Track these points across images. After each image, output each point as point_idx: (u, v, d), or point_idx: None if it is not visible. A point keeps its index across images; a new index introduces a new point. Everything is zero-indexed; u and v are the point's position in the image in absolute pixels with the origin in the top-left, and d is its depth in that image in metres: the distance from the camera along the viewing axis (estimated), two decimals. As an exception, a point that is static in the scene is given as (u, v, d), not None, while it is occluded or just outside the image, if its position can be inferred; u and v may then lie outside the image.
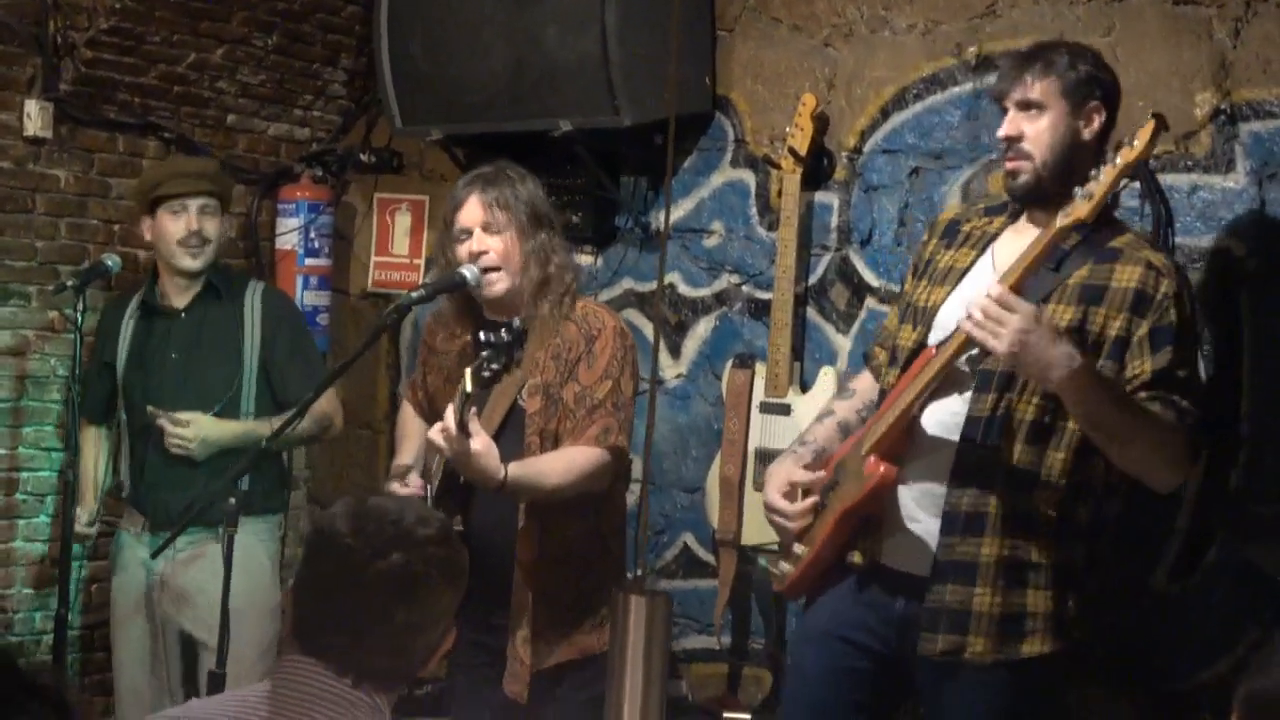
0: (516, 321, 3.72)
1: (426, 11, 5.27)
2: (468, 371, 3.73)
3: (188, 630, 4.85)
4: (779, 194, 4.90)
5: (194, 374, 4.87)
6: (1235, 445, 4.14)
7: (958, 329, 3.40)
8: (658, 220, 5.25)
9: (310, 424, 4.74)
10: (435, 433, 3.85)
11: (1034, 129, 3.54)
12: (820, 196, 4.95)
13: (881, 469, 3.55)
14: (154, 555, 4.60)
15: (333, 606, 2.37)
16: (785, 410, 4.81)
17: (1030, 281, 3.45)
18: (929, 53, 4.74)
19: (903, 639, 3.61)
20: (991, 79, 4.46)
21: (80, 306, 4.70)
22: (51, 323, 5.36)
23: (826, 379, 4.80)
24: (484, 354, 3.68)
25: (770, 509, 3.79)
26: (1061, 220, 3.25)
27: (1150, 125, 3.24)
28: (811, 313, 4.95)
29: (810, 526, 3.74)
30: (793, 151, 4.80)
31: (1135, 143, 3.22)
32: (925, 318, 3.67)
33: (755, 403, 4.90)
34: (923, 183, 4.73)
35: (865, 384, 3.93)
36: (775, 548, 3.98)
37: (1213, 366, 4.13)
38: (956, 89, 4.68)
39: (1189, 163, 4.28)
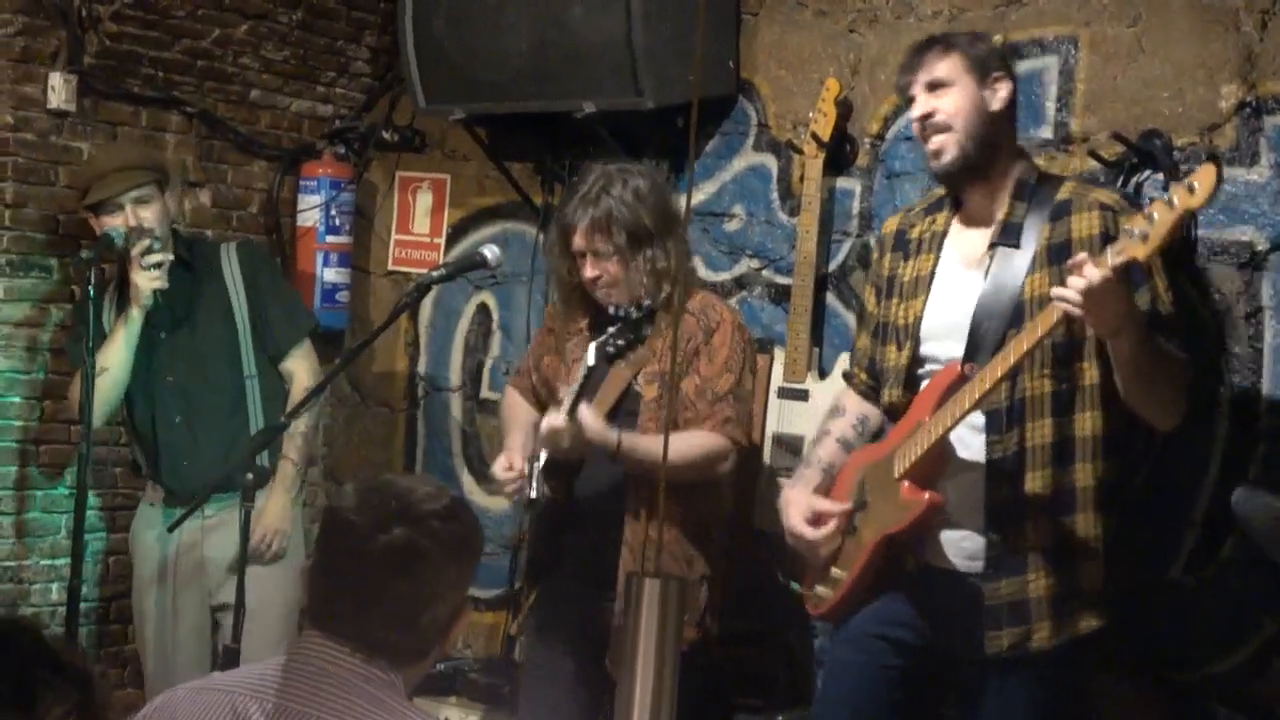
0: (647, 301, 3.85)
1: (451, -10, 5.27)
2: (592, 346, 3.89)
3: (214, 597, 4.88)
4: (801, 179, 4.89)
5: (185, 347, 4.91)
6: (1255, 438, 4.14)
7: (1010, 343, 3.38)
8: (679, 203, 5.24)
9: (308, 424, 4.95)
10: (546, 423, 4.01)
11: (946, 103, 3.60)
12: (842, 182, 4.95)
13: (926, 497, 3.56)
14: (171, 529, 4.63)
15: (340, 582, 2.39)
16: (803, 396, 4.81)
17: (1003, 266, 3.54)
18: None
19: (943, 633, 3.64)
20: (1020, 66, 4.48)
21: (93, 279, 4.71)
22: (72, 294, 5.38)
23: (845, 365, 4.81)
24: (610, 329, 3.84)
25: (795, 536, 3.81)
26: (1113, 259, 3.17)
27: (1211, 170, 3.11)
28: (831, 298, 4.95)
29: (840, 549, 3.75)
30: (815, 136, 4.80)
31: (1195, 189, 3.10)
32: (910, 333, 3.70)
33: (774, 388, 4.90)
34: (944, 170, 4.71)
35: (851, 401, 3.98)
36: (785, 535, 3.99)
37: (1235, 359, 4.14)
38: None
39: (1213, 155, 4.27)
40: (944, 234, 3.74)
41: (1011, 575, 3.54)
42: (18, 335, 5.30)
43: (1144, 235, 3.13)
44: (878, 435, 3.93)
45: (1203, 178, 3.09)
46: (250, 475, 4.11)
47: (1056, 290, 3.26)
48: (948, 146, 3.60)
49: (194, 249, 5.02)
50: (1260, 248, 4.17)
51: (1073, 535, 3.54)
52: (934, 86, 3.62)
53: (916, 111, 3.63)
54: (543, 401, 4.47)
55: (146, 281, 4.77)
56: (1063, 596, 3.54)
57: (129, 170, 4.85)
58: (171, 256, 4.81)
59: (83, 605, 4.96)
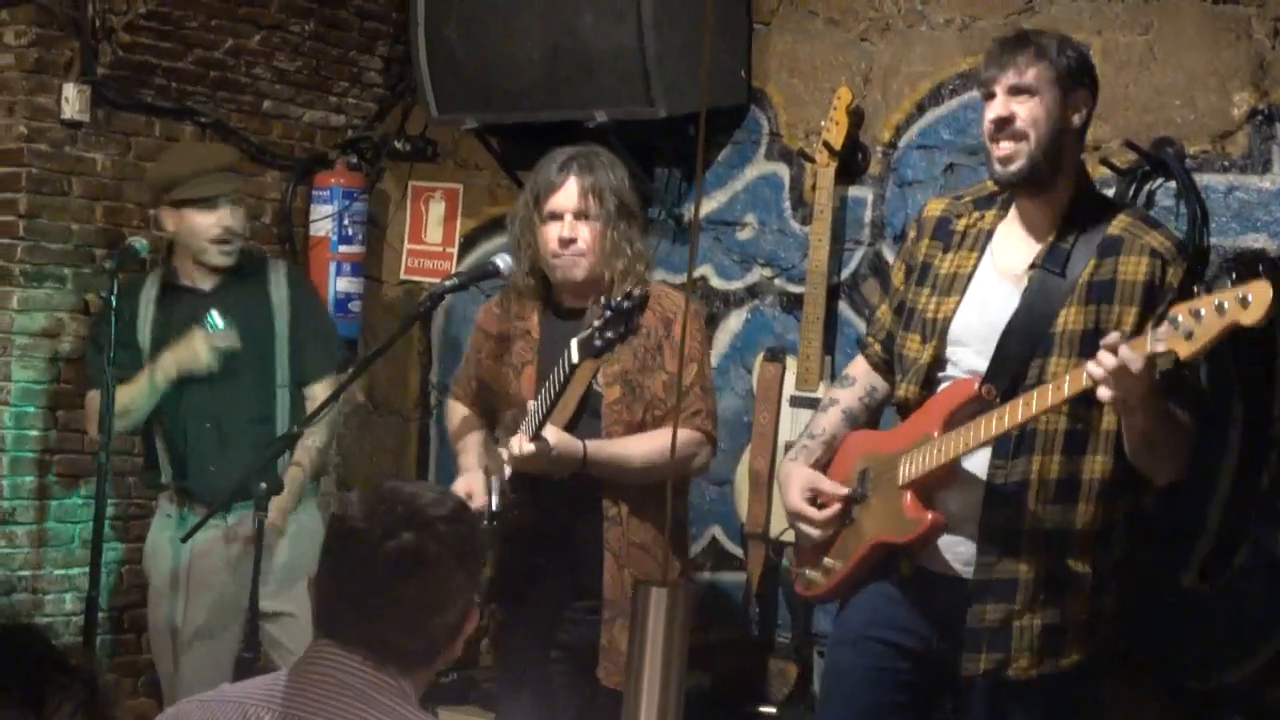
0: (638, 290, 3.71)
1: (463, 0, 5.29)
2: (574, 342, 3.73)
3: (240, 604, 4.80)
4: (813, 188, 4.91)
5: (225, 355, 4.86)
6: (1268, 446, 4.14)
7: (1046, 387, 3.35)
8: (690, 212, 5.27)
9: (324, 438, 4.94)
10: (514, 449, 3.92)
11: (1027, 111, 3.49)
12: (854, 191, 4.96)
13: (929, 518, 3.53)
14: (185, 539, 4.64)
15: (348, 589, 2.40)
16: (816, 404, 4.79)
17: (1038, 288, 3.49)
18: (966, 48, 4.74)
19: (943, 638, 3.62)
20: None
21: (114, 290, 4.71)
22: (86, 305, 5.40)
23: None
24: (596, 322, 3.67)
25: (794, 514, 3.78)
26: (1154, 346, 3.14)
27: (1267, 292, 3.01)
28: (843, 307, 4.96)
29: (836, 536, 3.75)
30: (827, 145, 4.82)
31: (1250, 305, 3.01)
32: (937, 330, 3.63)
33: (786, 396, 4.92)
34: (957, 179, 4.71)
35: (862, 370, 3.91)
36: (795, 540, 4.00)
37: (1244, 365, 4.15)
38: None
39: (1225, 163, 4.29)
40: (989, 234, 3.65)
41: (998, 600, 3.50)
42: (34, 346, 5.33)
43: (1188, 334, 3.08)
44: (883, 406, 3.92)
45: (1259, 295, 3.01)
46: (264, 484, 4.12)
47: (1090, 366, 3.22)
48: (1018, 156, 3.49)
49: (244, 257, 5.02)
50: (1273, 255, 4.18)
51: (1066, 571, 3.50)
52: (1017, 91, 3.49)
53: (994, 113, 3.50)
54: (487, 411, 4.40)
55: (205, 352, 4.79)
56: (1048, 630, 3.50)
57: (228, 174, 4.95)
58: (238, 345, 4.82)
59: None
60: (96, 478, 4.70)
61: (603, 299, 3.74)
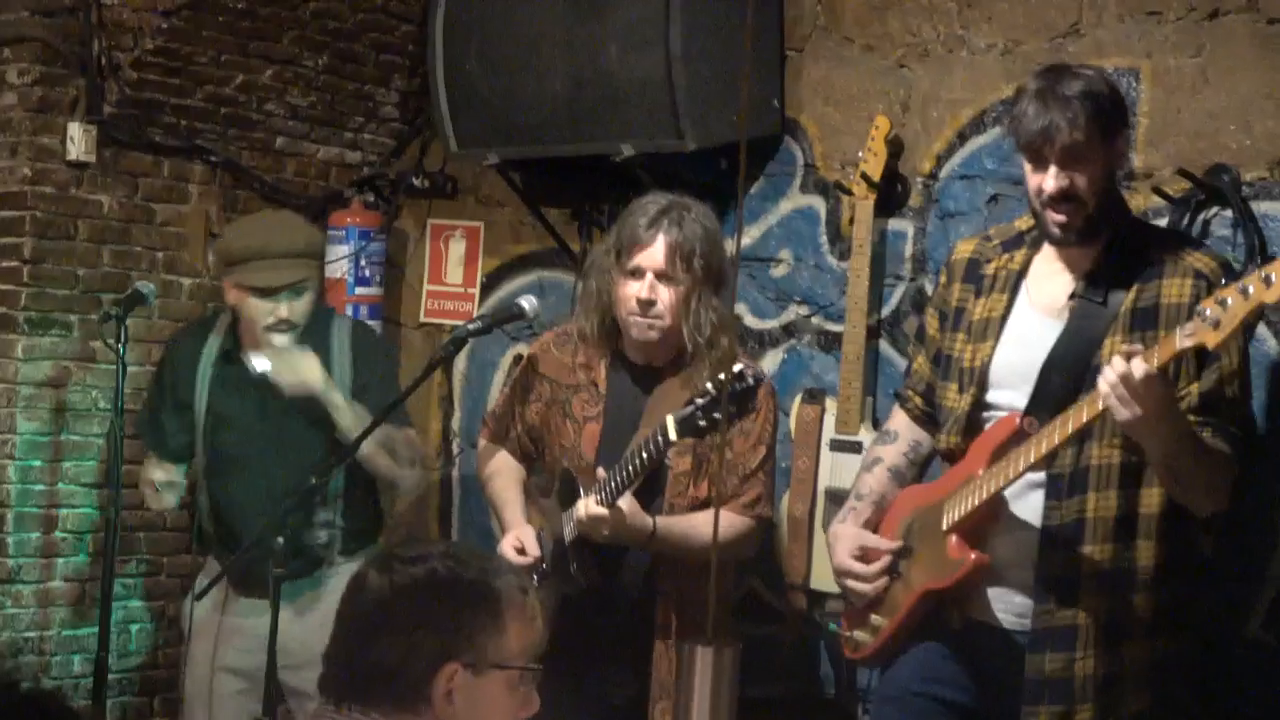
0: (751, 374, 3.72)
1: (483, 31, 5.31)
2: (670, 418, 3.74)
3: (290, 683, 4.60)
4: (850, 221, 4.89)
5: (283, 424, 4.80)
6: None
7: (1079, 405, 3.37)
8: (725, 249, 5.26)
9: (408, 446, 4.80)
10: (585, 511, 3.91)
11: (1085, 178, 3.50)
12: (894, 224, 4.95)
13: (972, 558, 3.55)
14: (199, 597, 4.64)
15: (335, 647, 2.46)
16: (857, 448, 4.80)
17: (1082, 321, 3.50)
18: (1009, 74, 4.73)
19: (993, 693, 3.62)
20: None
21: (122, 337, 4.72)
22: (93, 353, 5.43)
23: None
24: (700, 401, 3.66)
25: (842, 572, 3.81)
26: (1182, 341, 3.17)
27: None
28: (884, 346, 4.95)
29: (885, 594, 3.76)
30: (865, 177, 4.81)
31: (1273, 281, 3.08)
32: (976, 377, 3.66)
33: (825, 440, 4.90)
34: (1002, 210, 4.70)
35: (903, 424, 3.95)
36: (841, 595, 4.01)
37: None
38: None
39: (1282, 189, 4.30)
40: (1020, 274, 3.69)
41: (1057, 650, 3.51)
42: (39, 396, 5.35)
43: (1215, 322, 3.11)
44: (929, 461, 3.92)
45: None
46: (280, 539, 4.13)
47: (1099, 381, 3.26)
48: (1074, 220, 3.52)
49: (311, 321, 4.86)
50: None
51: (1127, 615, 3.52)
52: (1073, 157, 3.49)
53: (1052, 184, 3.49)
54: (529, 456, 4.42)
55: (152, 494, 4.83)
56: (1110, 679, 3.51)
57: (298, 263, 4.75)
58: None
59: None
60: (105, 533, 4.71)
61: (714, 377, 3.72)
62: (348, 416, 4.66)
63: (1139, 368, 3.18)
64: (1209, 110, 4.39)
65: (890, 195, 4.92)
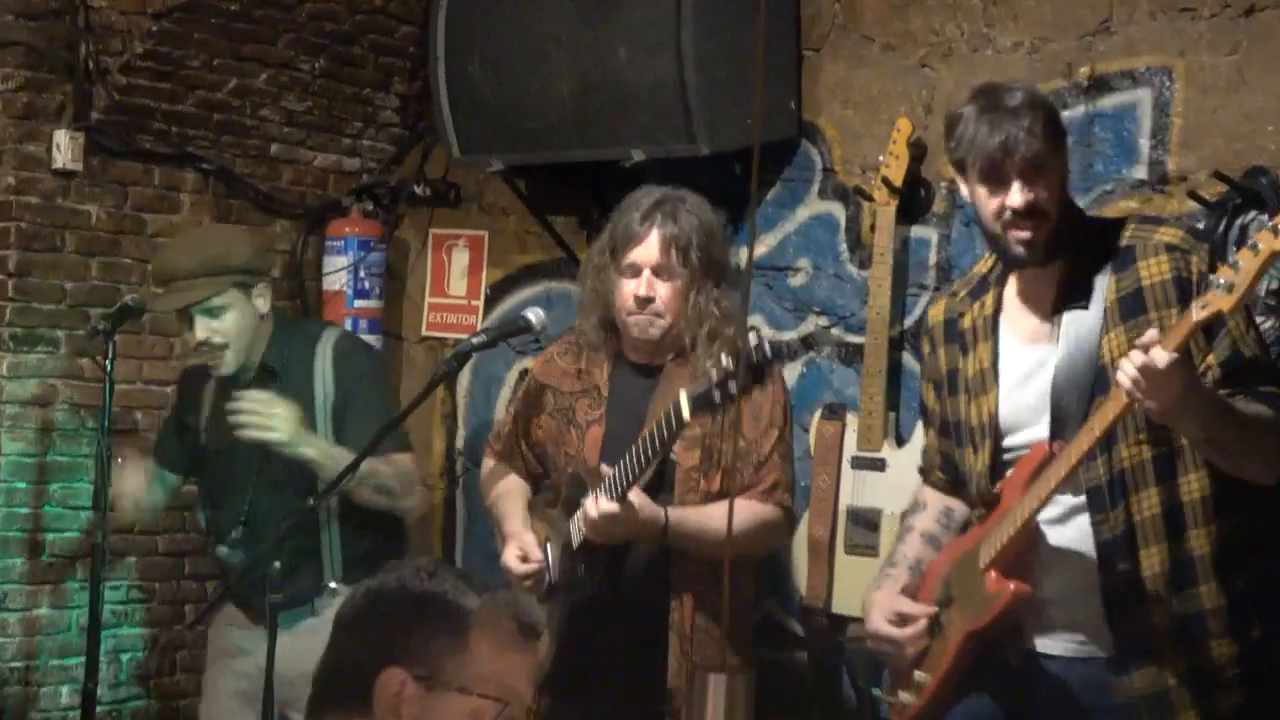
0: (767, 343, 3.69)
1: (486, 32, 5.30)
2: (684, 395, 3.70)
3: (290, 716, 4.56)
4: (871, 228, 4.90)
5: (265, 450, 4.71)
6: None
7: (1099, 409, 3.36)
8: (739, 257, 5.25)
9: (390, 474, 4.69)
10: (594, 509, 3.89)
11: (1046, 190, 3.49)
12: (917, 231, 4.95)
13: (1012, 587, 3.52)
14: (191, 626, 4.64)
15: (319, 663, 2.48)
16: (879, 465, 4.80)
17: (1070, 330, 3.52)
18: (1036, 74, 4.71)
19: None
20: (1108, 101, 4.49)
21: (111, 353, 4.71)
22: (81, 370, 5.42)
23: (920, 445, 4.80)
24: (715, 375, 3.62)
25: (878, 639, 3.77)
26: (1199, 314, 3.15)
27: None
28: (908, 358, 4.93)
29: (927, 651, 3.72)
30: (886, 182, 4.80)
31: None
32: (988, 431, 3.66)
33: (846, 457, 4.89)
34: (1029, 215, 4.70)
35: (930, 495, 3.95)
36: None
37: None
38: (1067, 113, 4.62)
39: (1322, 192, 4.28)
40: (994, 316, 3.69)
41: (1141, 666, 3.49)
42: (25, 415, 5.35)
43: (1229, 286, 3.11)
44: (964, 528, 3.90)
45: None
46: (276, 564, 4.12)
47: (1118, 374, 3.23)
48: (1039, 235, 3.50)
49: (288, 339, 4.83)
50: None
51: (1201, 610, 3.50)
52: (1035, 169, 3.47)
53: (1016, 200, 3.46)
54: (534, 473, 4.40)
55: (125, 502, 4.83)
56: (1200, 679, 3.50)
57: (195, 279, 4.66)
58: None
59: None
60: (92, 559, 4.70)
61: (728, 350, 3.68)
62: (327, 467, 4.57)
63: (1159, 356, 3.16)
64: (1246, 110, 4.38)
65: (913, 201, 4.91)
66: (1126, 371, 3.22)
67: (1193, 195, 4.39)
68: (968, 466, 3.73)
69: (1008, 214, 3.49)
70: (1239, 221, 4.33)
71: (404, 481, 4.76)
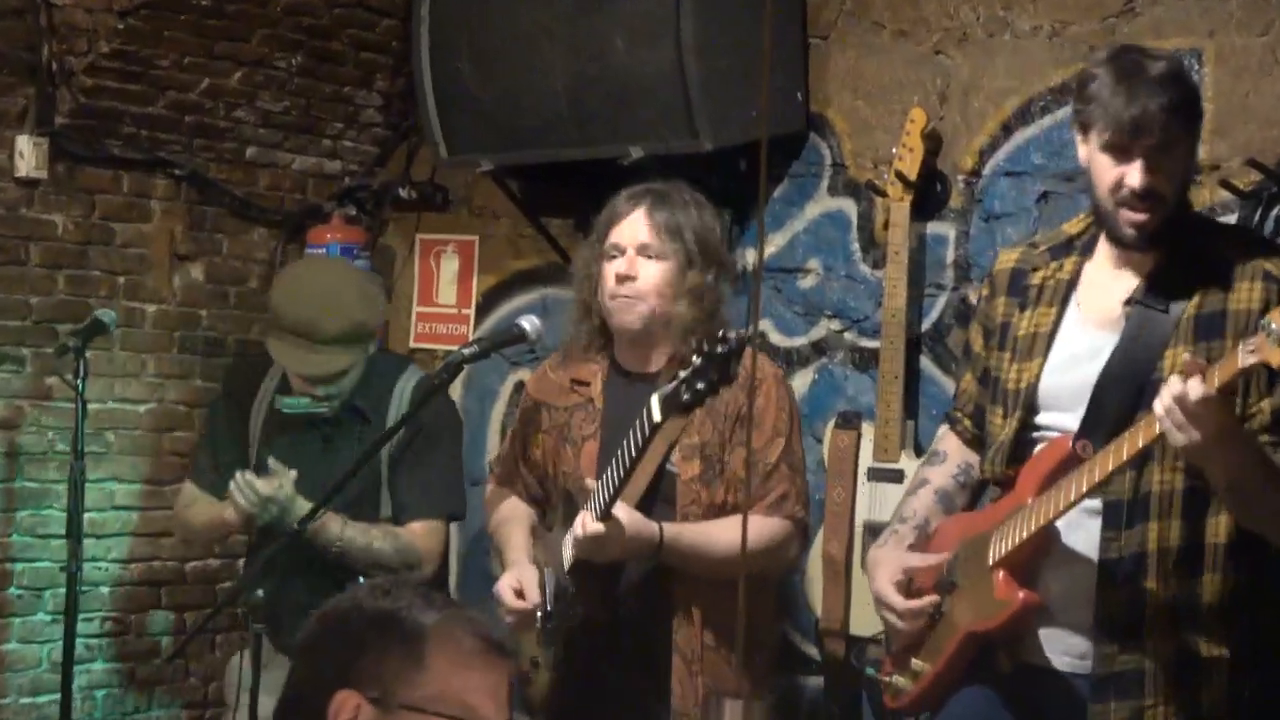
0: (733, 333, 3.59)
1: (474, 25, 5.33)
2: (655, 398, 3.65)
3: None
4: (885, 225, 4.88)
5: (329, 481, 4.57)
6: None
7: (1137, 427, 3.31)
8: (745, 258, 5.25)
9: (390, 551, 4.65)
10: (580, 530, 3.86)
11: (1169, 174, 3.45)
12: (933, 228, 4.95)
13: (1021, 597, 3.49)
14: (170, 660, 4.63)
15: None
16: (898, 477, 4.77)
17: (1141, 330, 3.47)
18: (1057, 59, 4.73)
19: None
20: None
21: (81, 372, 4.69)
22: (49, 390, 5.40)
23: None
24: (683, 373, 3.57)
25: (882, 602, 3.73)
26: (1245, 359, 3.09)
27: None
28: (926, 362, 4.95)
29: (927, 635, 3.70)
30: (900, 176, 4.79)
31: None
32: (1022, 400, 3.62)
33: (862, 469, 4.88)
34: (1053, 209, 4.71)
35: (953, 445, 3.90)
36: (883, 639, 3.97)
37: None
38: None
39: (1364, 177, 4.27)
40: (1070, 283, 3.64)
41: (1123, 698, 3.45)
42: (-11, 439, 5.35)
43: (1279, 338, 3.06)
44: (982, 487, 3.89)
45: None
46: (260, 592, 4.10)
47: (1155, 402, 3.20)
48: (1153, 221, 3.44)
49: (373, 377, 4.78)
50: None
51: (1198, 656, 3.46)
52: (1160, 152, 3.41)
53: (1138, 181, 3.40)
54: (535, 499, 4.37)
55: (238, 510, 4.64)
56: None
57: (334, 349, 4.62)
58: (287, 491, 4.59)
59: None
60: (66, 590, 4.67)
61: (695, 344, 3.61)
62: (349, 548, 4.60)
63: (1195, 389, 3.10)
64: (1280, 94, 4.37)
65: (928, 196, 4.90)
66: (1162, 400, 3.18)
67: (1225, 185, 4.39)
68: (994, 430, 3.70)
69: (1125, 191, 3.44)
70: (1274, 212, 4.34)
71: (404, 556, 4.67)
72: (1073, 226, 3.73)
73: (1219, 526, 3.45)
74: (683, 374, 3.58)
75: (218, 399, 5.02)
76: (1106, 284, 3.59)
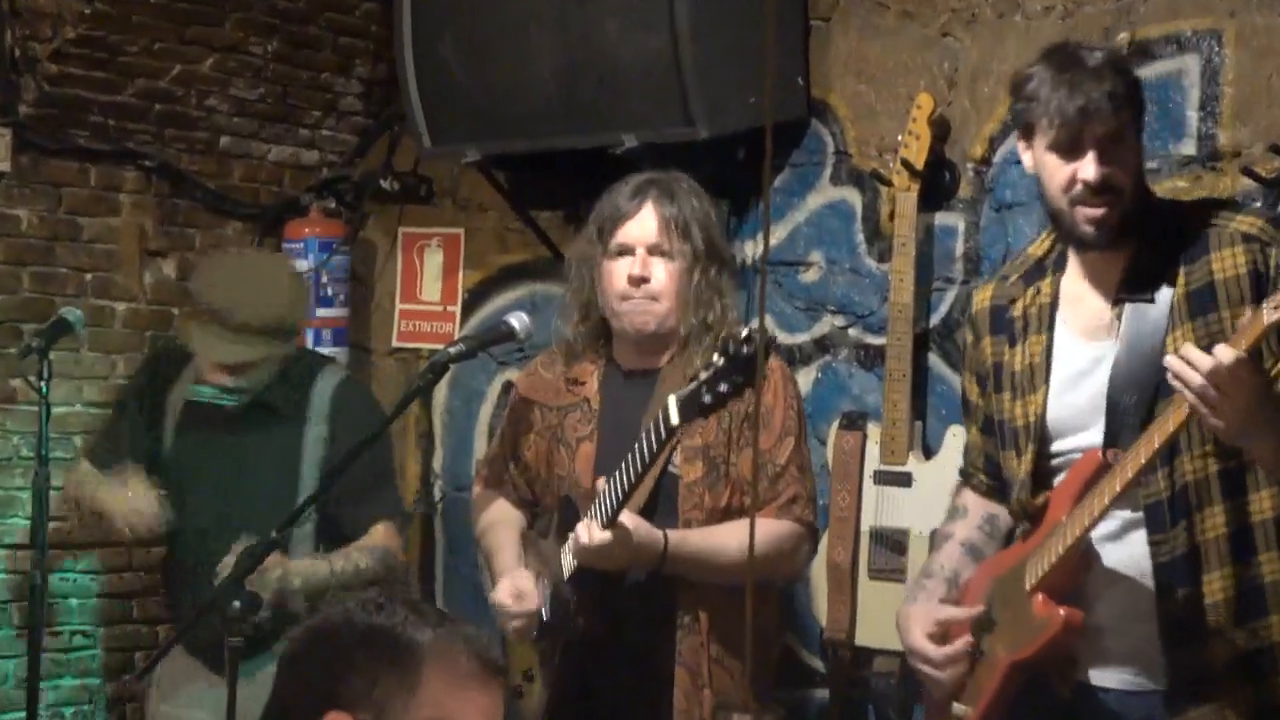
0: (745, 332, 3.64)
1: (459, 8, 5.34)
2: (673, 399, 3.69)
3: None
4: (891, 216, 4.91)
5: (243, 490, 4.77)
6: None
7: (1160, 415, 3.33)
8: (744, 251, 5.24)
9: (375, 564, 4.72)
10: (584, 537, 3.86)
11: (1121, 163, 3.48)
12: (941, 218, 4.94)
13: (1062, 613, 3.49)
14: (141, 675, 4.60)
15: None
16: (905, 480, 4.79)
17: (1132, 324, 3.50)
18: (1070, 40, 4.70)
19: None
20: (1151, 70, 4.46)
21: (46, 373, 4.67)
22: (13, 393, 5.38)
23: (955, 442, 4.76)
24: (704, 374, 3.61)
25: (916, 656, 3.74)
26: (1270, 315, 3.11)
27: None
28: (935, 360, 4.95)
29: (968, 681, 3.69)
30: (906, 164, 4.79)
31: None
32: (1033, 434, 3.64)
33: (868, 472, 4.89)
34: (1067, 198, 4.68)
35: (972, 500, 3.93)
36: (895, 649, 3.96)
37: None
38: (1106, 84, 4.66)
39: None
40: (1052, 305, 3.67)
41: (1199, 702, 3.46)
42: (-50, 443, 5.34)
43: None
44: (1011, 537, 3.87)
45: None
46: (237, 603, 4.07)
47: (1171, 365, 3.20)
48: (1112, 215, 3.47)
49: (290, 370, 4.86)
50: None
51: (1269, 644, 3.47)
52: (1111, 142, 3.45)
53: (1092, 173, 3.44)
54: (524, 502, 4.38)
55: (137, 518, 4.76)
56: (1265, 715, 3.46)
57: (255, 340, 4.71)
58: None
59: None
60: (29, 603, 4.65)
61: (718, 344, 3.65)
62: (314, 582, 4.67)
63: (1227, 354, 3.14)
64: (1305, 77, 4.36)
65: (936, 185, 4.90)
66: (1190, 379, 3.16)
67: (1247, 172, 4.39)
68: (1010, 472, 3.71)
69: (1078, 188, 3.48)
70: (1301, 200, 4.33)
71: (386, 562, 4.79)
72: (1037, 248, 3.78)
73: (1263, 503, 3.48)
74: (704, 375, 3.63)
75: (134, 383, 5.04)
76: (1088, 294, 3.66)
